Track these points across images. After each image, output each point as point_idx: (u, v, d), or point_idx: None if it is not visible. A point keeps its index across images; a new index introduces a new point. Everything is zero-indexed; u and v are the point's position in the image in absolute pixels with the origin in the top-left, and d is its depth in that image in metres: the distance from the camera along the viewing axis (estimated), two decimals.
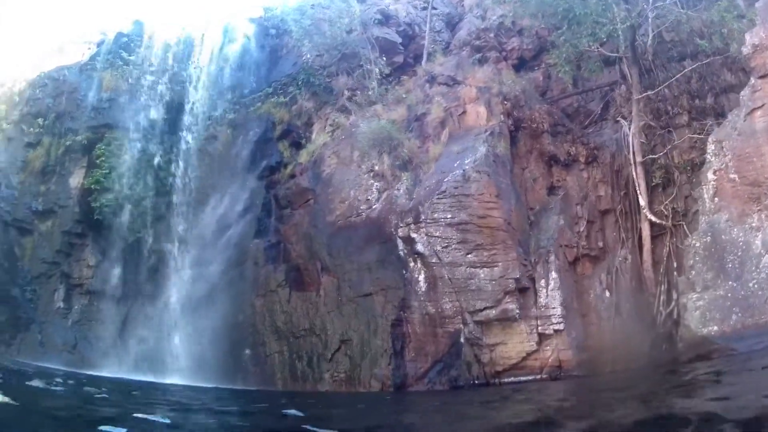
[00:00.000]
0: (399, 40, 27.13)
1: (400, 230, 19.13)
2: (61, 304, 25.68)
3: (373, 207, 20.52)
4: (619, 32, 20.68)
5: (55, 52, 30.26)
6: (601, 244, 20.72)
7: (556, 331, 18.30)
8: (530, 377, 17.97)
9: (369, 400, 17.43)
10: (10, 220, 26.38)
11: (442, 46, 26.28)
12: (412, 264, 18.86)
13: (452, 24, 28.06)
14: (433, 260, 18.36)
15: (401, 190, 20.21)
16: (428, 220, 18.65)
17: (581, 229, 20.58)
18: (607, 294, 19.95)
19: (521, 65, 25.49)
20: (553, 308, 18.60)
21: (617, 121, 21.99)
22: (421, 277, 18.62)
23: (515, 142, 21.69)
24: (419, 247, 18.61)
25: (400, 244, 19.10)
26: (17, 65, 30.16)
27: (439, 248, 18.39)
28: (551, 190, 21.60)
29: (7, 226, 26.38)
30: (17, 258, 26.25)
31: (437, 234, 18.50)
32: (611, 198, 21.29)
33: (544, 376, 18.02)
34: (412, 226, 18.85)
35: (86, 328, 25.38)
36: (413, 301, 18.54)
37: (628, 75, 22.13)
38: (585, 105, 23.95)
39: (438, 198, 18.80)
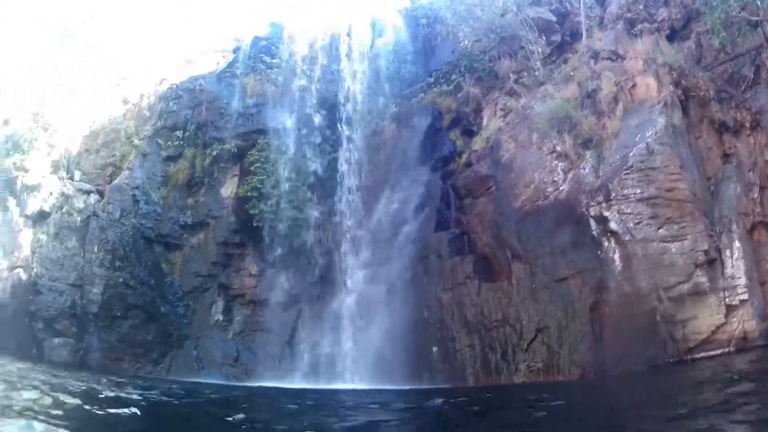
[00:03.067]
0: (554, 18, 29.71)
1: (591, 209, 21.40)
2: (220, 317, 29.05)
3: (561, 188, 22.85)
4: None
5: (182, 65, 33.58)
6: None
7: (741, 301, 20.10)
8: (718, 351, 19.58)
9: (586, 386, 19.78)
10: (153, 236, 29.82)
11: (596, 21, 28.64)
12: (606, 243, 21.11)
13: None
14: (627, 238, 20.55)
15: (587, 169, 22.43)
16: (619, 197, 20.87)
17: (755, 196, 22.65)
18: None
19: (672, 35, 27.49)
20: (739, 278, 20.50)
21: None
22: (616, 256, 20.81)
23: (686, 111, 23.84)
24: (612, 225, 20.85)
25: (593, 224, 21.38)
26: (141, 81, 33.63)
27: (631, 225, 20.57)
28: (725, 157, 23.77)
29: (151, 242, 29.79)
30: (165, 274, 29.66)
31: (628, 210, 20.69)
32: None
33: (732, 348, 19.68)
34: (603, 204, 21.12)
35: (249, 339, 28.62)
36: (610, 281, 20.71)
37: None
38: (738, 70, 25.65)
39: (626, 174, 20.96)
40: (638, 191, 20.86)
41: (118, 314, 27.87)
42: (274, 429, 15.86)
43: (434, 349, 23.98)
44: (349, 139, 30.21)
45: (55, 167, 31.07)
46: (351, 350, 26.13)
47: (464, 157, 27.53)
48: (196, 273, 29.71)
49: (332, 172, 29.91)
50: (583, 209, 21.79)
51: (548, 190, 23.29)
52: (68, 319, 27.78)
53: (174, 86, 32.62)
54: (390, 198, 28.00)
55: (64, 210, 29.45)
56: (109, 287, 27.85)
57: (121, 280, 28.17)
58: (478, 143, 27.32)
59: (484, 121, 28.48)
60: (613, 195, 21.07)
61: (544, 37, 28.94)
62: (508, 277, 23.40)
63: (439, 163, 28.26)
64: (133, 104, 33.36)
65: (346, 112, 30.64)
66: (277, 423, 16.59)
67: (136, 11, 36.69)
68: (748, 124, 23.81)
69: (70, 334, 27.75)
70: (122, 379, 24.27)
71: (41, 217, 29.56)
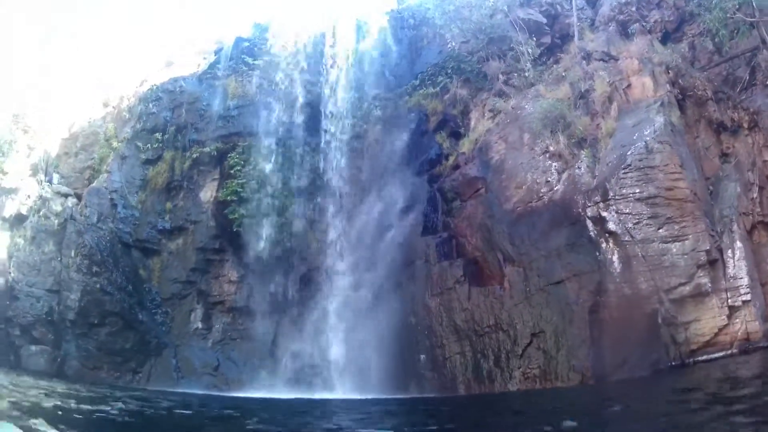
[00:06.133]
0: (544, 20, 28.12)
1: (588, 210, 19.59)
2: (200, 325, 26.80)
3: (555, 189, 21.05)
4: None
5: (162, 67, 31.63)
6: None
7: (744, 302, 18.59)
8: (721, 353, 18.09)
9: (586, 392, 17.86)
10: (131, 241, 27.51)
11: (588, 23, 27.12)
12: (604, 244, 19.26)
13: (592, 1, 29.11)
14: (626, 238, 18.78)
15: (582, 169, 20.69)
16: (617, 197, 19.13)
17: (755, 196, 21.12)
18: None
19: (665, 38, 26.08)
20: (741, 279, 18.97)
21: (767, 86, 22.69)
22: (615, 258, 19.00)
23: (683, 111, 22.39)
24: (611, 226, 19.05)
25: (590, 225, 19.55)
26: (121, 83, 31.52)
27: (630, 225, 18.84)
28: (723, 157, 22.31)
29: (129, 247, 27.49)
30: (143, 280, 27.31)
31: (627, 210, 18.96)
32: None
33: (735, 350, 18.17)
34: (601, 204, 19.32)
35: (230, 347, 26.41)
36: (609, 283, 18.90)
37: (767, 39, 22.90)
38: (733, 72, 24.41)
39: (624, 173, 19.25)
40: (637, 190, 19.20)
41: (96, 321, 25.60)
42: None
43: (422, 356, 22.09)
44: (333, 143, 28.25)
45: (34, 170, 29.19)
46: (334, 359, 24.20)
47: (451, 159, 25.86)
48: (174, 279, 27.54)
49: (315, 176, 27.94)
50: (580, 210, 20.01)
51: (542, 190, 21.49)
52: (45, 325, 25.62)
53: (154, 87, 30.54)
54: (374, 202, 26.26)
55: (41, 213, 27.36)
56: (87, 293, 25.57)
57: (98, 286, 25.86)
58: (465, 145, 25.63)
59: (472, 123, 26.74)
60: (611, 195, 19.34)
61: (534, 39, 27.23)
62: (500, 281, 21.55)
63: (425, 165, 26.57)
64: (113, 107, 31.46)
65: (329, 115, 28.71)
66: None
67: (118, 13, 34.75)
68: (746, 125, 22.44)
69: (47, 341, 25.59)
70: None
71: (19, 220, 27.52)
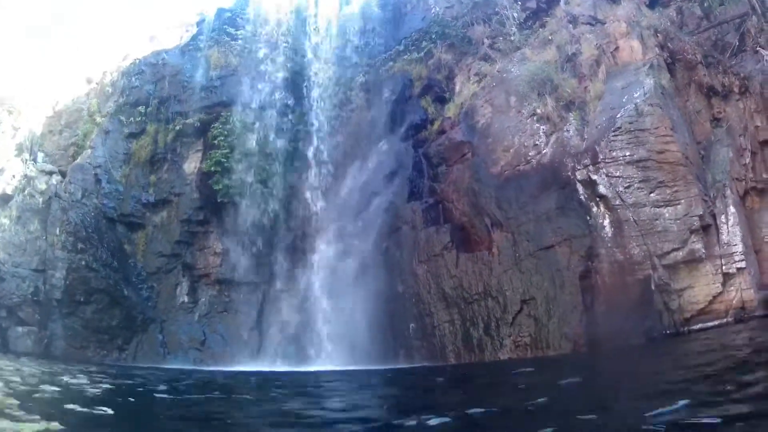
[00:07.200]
0: None
1: (578, 173, 18.72)
2: (185, 299, 25.80)
3: (543, 152, 20.16)
4: None
5: (146, 41, 30.73)
6: (765, 175, 20.43)
7: (738, 269, 17.83)
8: (716, 322, 17.29)
9: (578, 361, 16.83)
10: (116, 216, 26.47)
11: None
12: (594, 208, 18.40)
13: None
14: (617, 202, 17.94)
15: (571, 132, 19.79)
16: (607, 160, 18.25)
17: (747, 161, 20.36)
18: None
19: (653, 3, 25.00)
20: (735, 245, 18.17)
21: (756, 51, 21.81)
22: (606, 222, 18.17)
23: (673, 74, 21.47)
24: (601, 189, 18.19)
25: (580, 188, 18.66)
26: (104, 59, 30.59)
27: (621, 189, 17.99)
28: (714, 122, 21.36)
29: (113, 222, 26.43)
30: (128, 255, 26.26)
31: (618, 174, 18.11)
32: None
33: (729, 319, 17.40)
34: (591, 167, 18.45)
35: (216, 320, 25.45)
36: (600, 248, 18.04)
37: (757, 5, 22.08)
38: (722, 38, 23.58)
39: (614, 135, 18.37)
40: (627, 153, 18.33)
41: (82, 299, 24.54)
42: None
43: (411, 325, 21.10)
44: (316, 110, 27.34)
45: (19, 150, 28.06)
46: (322, 330, 23.17)
47: (437, 124, 24.95)
48: (159, 253, 26.46)
49: (299, 145, 26.96)
50: (569, 173, 19.11)
51: (530, 154, 20.58)
52: (31, 306, 24.45)
53: (137, 61, 29.56)
54: (359, 169, 25.23)
55: (26, 192, 26.26)
56: (72, 270, 24.48)
57: (83, 263, 24.78)
58: (451, 110, 24.76)
59: (457, 87, 25.85)
60: (601, 158, 18.45)
61: (519, 3, 26.43)
62: (489, 246, 20.48)
63: (410, 131, 25.54)
64: (96, 83, 30.45)
65: (312, 83, 27.85)
66: None
67: None
68: (736, 89, 21.52)
69: (33, 322, 24.45)
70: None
71: (4, 200, 26.42)
